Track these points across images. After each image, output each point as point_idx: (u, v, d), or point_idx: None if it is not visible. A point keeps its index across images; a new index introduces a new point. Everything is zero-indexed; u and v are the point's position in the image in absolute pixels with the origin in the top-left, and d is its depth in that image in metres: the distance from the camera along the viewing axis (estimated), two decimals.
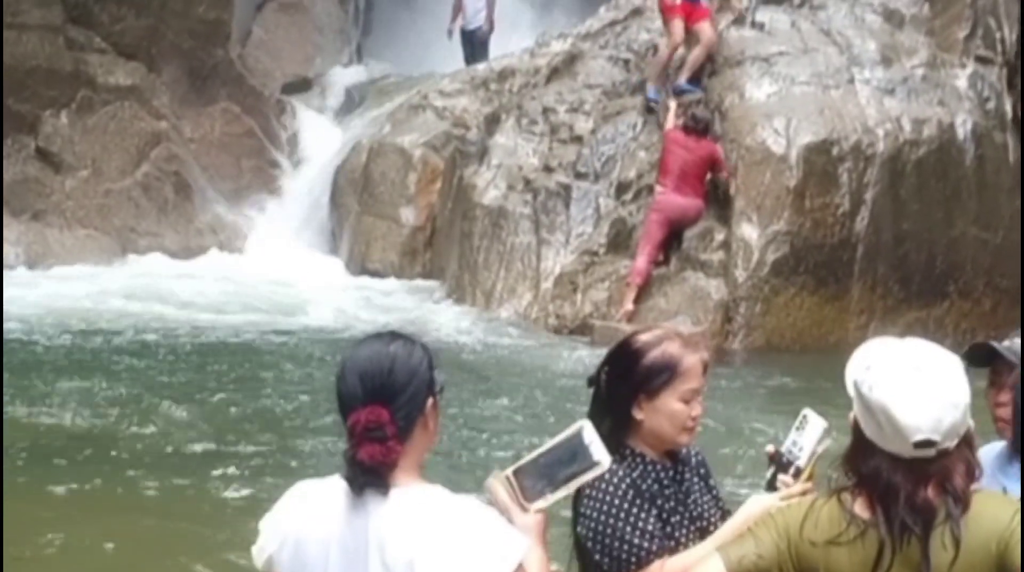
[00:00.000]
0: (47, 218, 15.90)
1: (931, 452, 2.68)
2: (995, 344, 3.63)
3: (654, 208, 13.25)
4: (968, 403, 2.73)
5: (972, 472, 2.73)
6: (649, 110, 14.61)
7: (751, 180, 13.31)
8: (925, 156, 13.72)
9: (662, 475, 3.37)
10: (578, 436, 2.84)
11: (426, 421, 2.76)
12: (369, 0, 21.36)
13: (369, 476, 2.69)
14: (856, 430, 2.76)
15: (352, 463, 2.70)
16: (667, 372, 3.32)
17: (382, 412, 2.68)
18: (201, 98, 17.49)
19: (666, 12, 14.55)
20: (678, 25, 14.32)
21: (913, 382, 2.69)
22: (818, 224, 13.21)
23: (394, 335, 2.80)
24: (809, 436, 3.29)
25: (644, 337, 3.40)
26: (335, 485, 2.77)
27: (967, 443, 2.73)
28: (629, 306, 12.86)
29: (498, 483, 2.80)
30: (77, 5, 16.46)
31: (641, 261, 13.02)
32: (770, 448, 3.35)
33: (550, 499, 2.79)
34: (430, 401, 2.76)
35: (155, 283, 14.65)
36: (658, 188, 13.30)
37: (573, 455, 2.82)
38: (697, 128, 13.27)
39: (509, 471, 2.81)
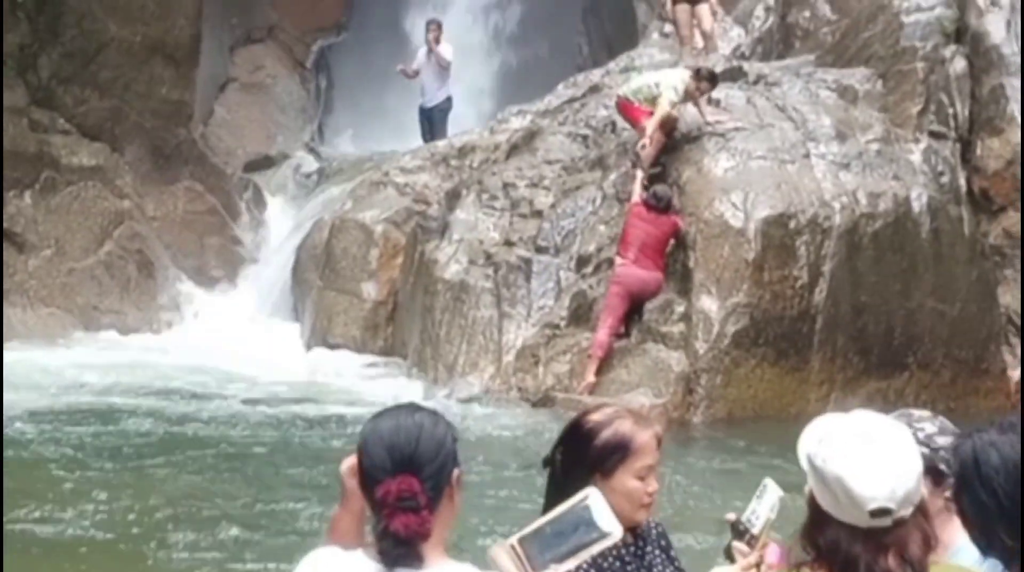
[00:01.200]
0: (10, 297, 15.88)
1: (887, 521, 2.68)
2: None
3: (615, 280, 13.37)
4: (921, 472, 2.75)
5: (929, 541, 2.73)
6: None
7: (710, 253, 13.46)
8: (881, 229, 13.92)
9: (623, 552, 3.36)
10: (585, 505, 2.77)
11: (452, 493, 2.74)
12: (330, 79, 21.55)
13: (403, 548, 2.64)
14: (812, 503, 2.77)
15: (385, 535, 2.64)
16: (620, 451, 3.30)
17: (413, 482, 2.64)
18: (164, 177, 17.58)
19: (629, 114, 14.57)
20: (645, 120, 14.34)
21: (866, 452, 2.70)
22: (777, 296, 13.35)
23: (415, 406, 2.80)
24: (765, 504, 3.31)
25: (595, 417, 3.38)
26: (357, 559, 2.71)
27: (923, 512, 2.74)
28: (591, 378, 12.94)
29: (503, 552, 2.69)
30: (41, 87, 16.58)
31: (602, 333, 13.11)
32: (730, 516, 3.35)
33: (559, 570, 2.69)
34: (456, 472, 2.75)
35: (115, 357, 14.62)
36: (618, 260, 13.43)
37: (581, 525, 2.74)
38: (659, 206, 13.42)
39: (514, 539, 2.71)
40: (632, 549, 3.37)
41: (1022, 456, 2.81)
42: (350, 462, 2.81)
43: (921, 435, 3.26)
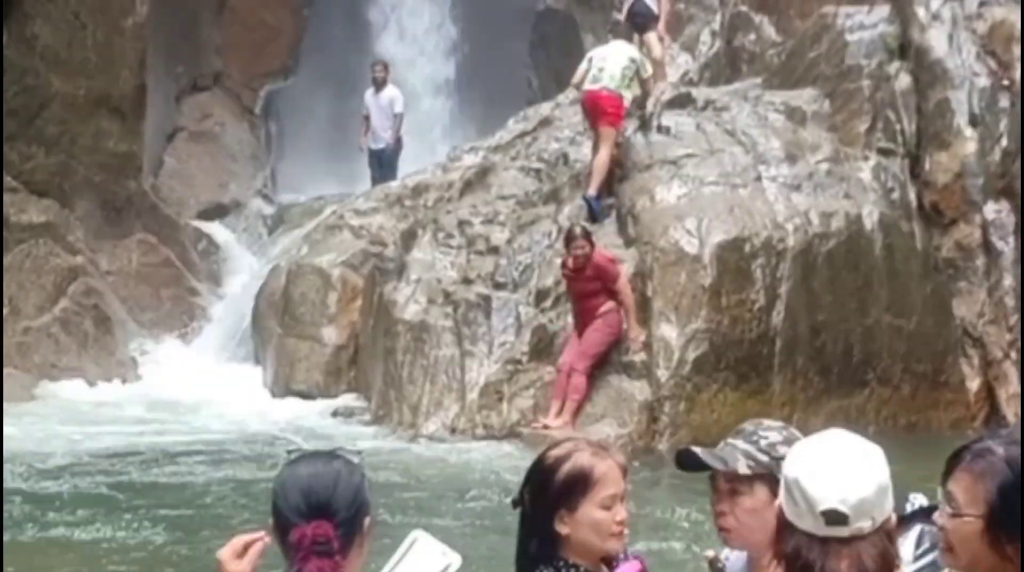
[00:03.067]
0: None
1: (844, 532, 2.68)
2: (699, 450, 3.29)
3: (609, 325, 13.13)
4: (885, 487, 2.73)
5: (889, 561, 2.70)
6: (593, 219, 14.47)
7: (667, 281, 13.49)
8: (835, 248, 13.99)
9: None
10: (416, 549, 2.80)
11: (362, 540, 2.79)
12: (280, 125, 21.55)
13: None
14: (779, 514, 2.78)
15: None
16: (581, 483, 3.31)
17: (328, 527, 2.70)
18: (116, 230, 17.48)
19: (618, 109, 14.68)
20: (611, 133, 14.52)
21: (825, 457, 2.72)
22: (736, 320, 13.39)
23: (333, 454, 2.83)
24: None
25: (554, 452, 3.39)
26: None
27: (886, 532, 2.72)
28: (568, 418, 12.86)
29: None
30: None
31: (582, 380, 12.95)
32: (709, 553, 3.37)
33: None
34: (367, 521, 2.80)
35: (78, 412, 14.52)
36: (610, 304, 13.09)
37: (422, 566, 2.77)
38: (577, 254, 13.04)
39: None
40: None
41: (1022, 467, 2.79)
42: (233, 548, 2.80)
43: (763, 443, 3.22)
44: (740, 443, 3.22)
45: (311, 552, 2.69)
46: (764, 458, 3.17)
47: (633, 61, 14.91)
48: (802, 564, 2.69)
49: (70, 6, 16.79)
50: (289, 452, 2.87)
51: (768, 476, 3.16)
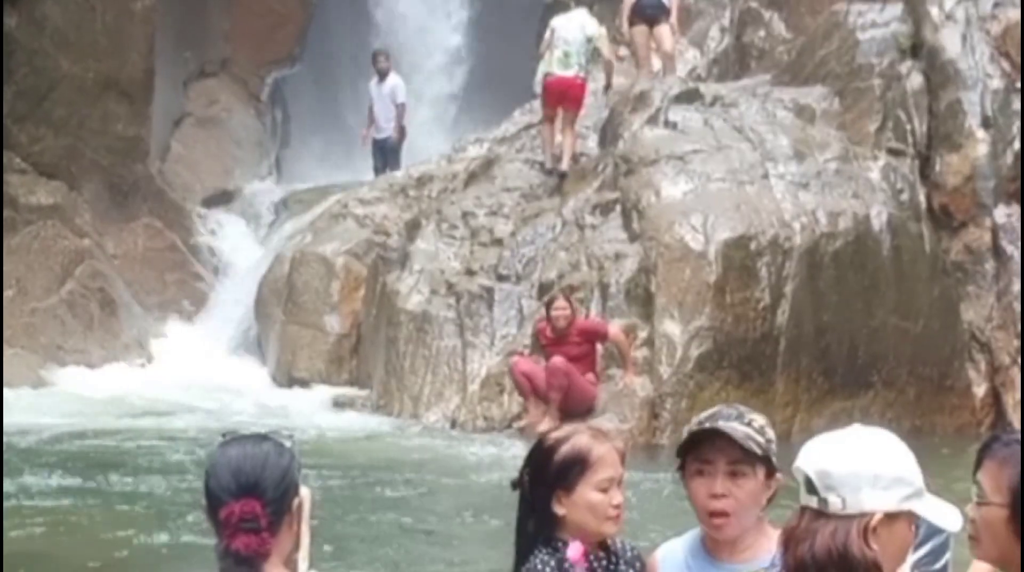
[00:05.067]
0: None
1: (812, 501, 2.62)
2: (724, 426, 3.19)
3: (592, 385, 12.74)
4: (865, 474, 2.61)
5: (847, 558, 2.56)
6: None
7: (671, 277, 13.43)
8: (842, 248, 13.91)
9: (595, 566, 3.40)
10: None
11: (291, 520, 2.88)
12: (286, 113, 21.50)
13: (244, 567, 2.79)
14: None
15: (226, 554, 2.81)
16: (579, 464, 3.37)
17: (255, 504, 2.80)
18: (123, 214, 17.48)
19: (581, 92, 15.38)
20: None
21: (835, 433, 2.69)
22: (740, 318, 13.33)
23: (263, 437, 2.93)
24: None
25: (555, 434, 3.47)
26: None
27: (861, 528, 2.59)
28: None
29: None
30: None
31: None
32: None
33: None
34: (296, 501, 2.89)
35: (81, 398, 14.52)
36: (591, 376, 12.77)
37: None
38: (556, 314, 12.71)
39: None
40: (604, 564, 3.41)
41: (1022, 468, 2.76)
42: None
43: (756, 424, 3.20)
44: (737, 425, 3.18)
45: (239, 529, 2.80)
46: (762, 440, 3.17)
47: (590, 40, 15.39)
48: (784, 530, 2.68)
49: None
50: (223, 435, 2.97)
51: (766, 458, 3.19)
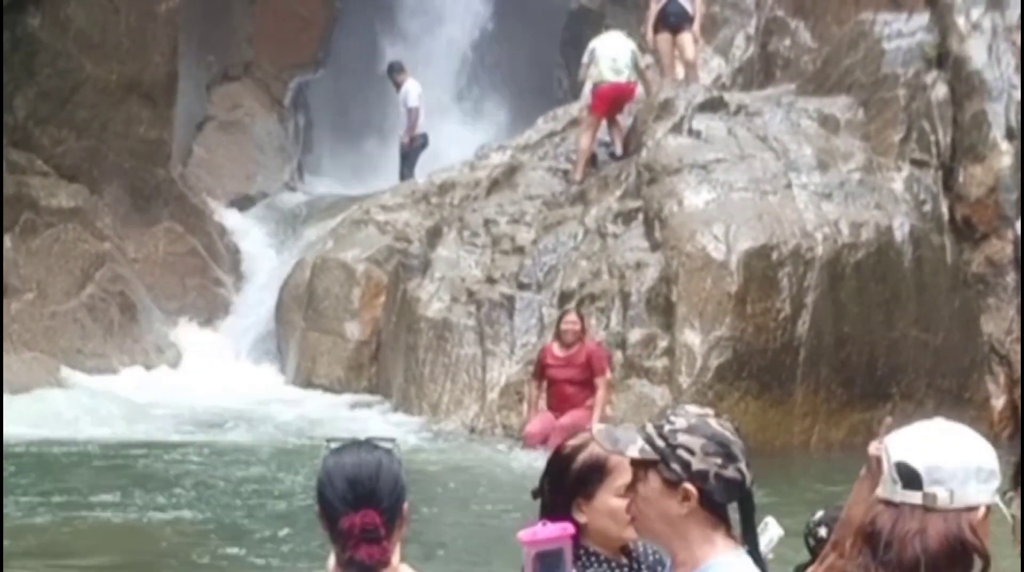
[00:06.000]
0: None
1: (916, 497, 2.56)
2: (599, 428, 3.08)
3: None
4: (972, 468, 2.59)
5: (962, 552, 2.52)
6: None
7: (692, 286, 13.38)
8: (864, 259, 13.85)
9: (616, 570, 3.42)
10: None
11: (401, 524, 2.95)
12: (308, 118, 21.50)
13: None
14: (872, 507, 2.67)
15: (351, 564, 2.88)
16: (597, 471, 3.38)
17: (375, 516, 2.87)
18: (144, 218, 17.47)
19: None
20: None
21: (920, 427, 2.66)
22: (760, 329, 13.27)
23: (373, 444, 2.99)
24: (763, 542, 3.25)
25: (573, 442, 3.48)
26: None
27: (969, 523, 2.55)
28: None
29: None
30: (17, 128, 16.45)
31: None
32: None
33: None
34: (405, 506, 2.96)
35: (101, 402, 14.53)
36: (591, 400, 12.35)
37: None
38: (566, 329, 12.47)
39: None
40: (627, 568, 3.43)
41: (1020, 466, 2.77)
42: None
43: (667, 428, 2.87)
44: (649, 426, 2.93)
45: (361, 540, 2.87)
46: (661, 444, 2.86)
47: (634, 52, 15.69)
48: (873, 530, 2.58)
49: None
50: (329, 441, 3.02)
51: (662, 464, 2.86)
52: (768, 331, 13.29)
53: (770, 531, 3.43)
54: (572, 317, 12.68)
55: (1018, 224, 14.45)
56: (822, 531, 4.82)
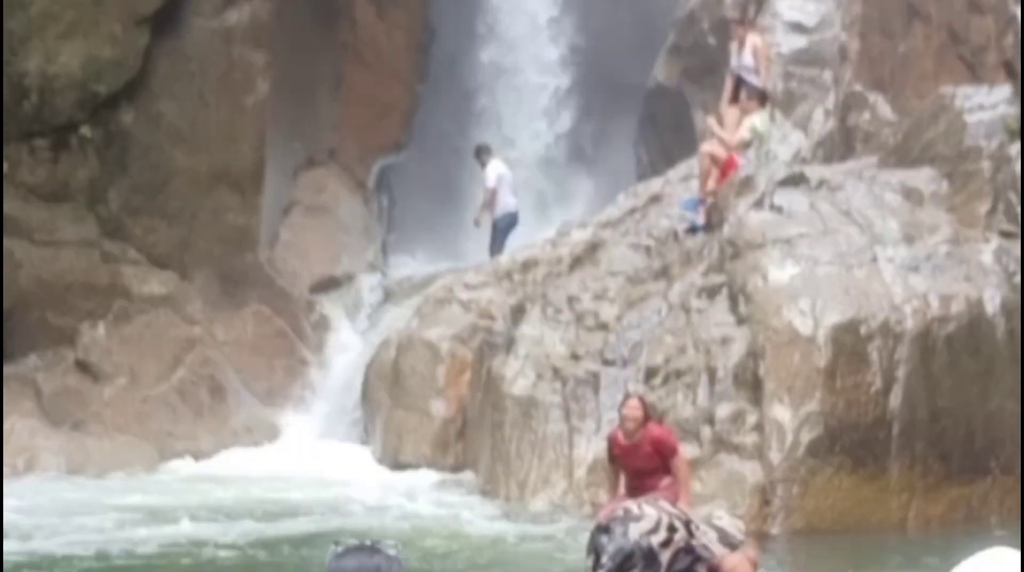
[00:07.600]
0: (87, 427, 16.05)
1: None
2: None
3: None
4: None
5: None
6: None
7: (780, 361, 13.34)
8: (955, 332, 13.74)
9: None
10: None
11: None
12: (392, 198, 21.72)
13: None
14: None
15: None
16: None
17: None
18: (232, 302, 17.72)
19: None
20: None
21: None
22: (851, 403, 13.19)
23: (375, 548, 3.12)
24: None
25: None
26: None
27: None
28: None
29: None
30: (111, 219, 16.84)
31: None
32: None
33: None
34: None
35: (191, 486, 14.66)
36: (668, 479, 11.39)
37: None
38: (627, 414, 11.34)
39: None
40: None
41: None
42: None
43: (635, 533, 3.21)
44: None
45: None
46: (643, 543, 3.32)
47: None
48: None
49: (195, 85, 17.18)
50: (336, 543, 3.13)
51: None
52: (860, 406, 13.21)
53: None
54: (634, 403, 11.40)
55: None
56: None
